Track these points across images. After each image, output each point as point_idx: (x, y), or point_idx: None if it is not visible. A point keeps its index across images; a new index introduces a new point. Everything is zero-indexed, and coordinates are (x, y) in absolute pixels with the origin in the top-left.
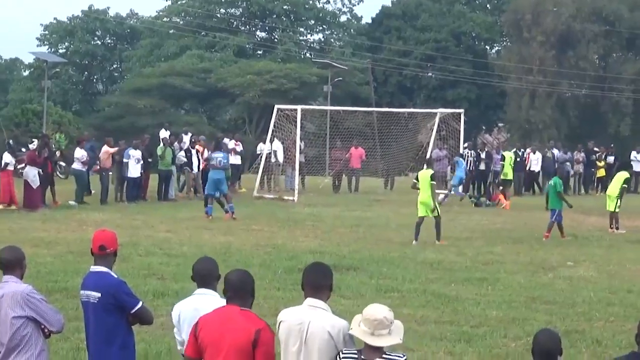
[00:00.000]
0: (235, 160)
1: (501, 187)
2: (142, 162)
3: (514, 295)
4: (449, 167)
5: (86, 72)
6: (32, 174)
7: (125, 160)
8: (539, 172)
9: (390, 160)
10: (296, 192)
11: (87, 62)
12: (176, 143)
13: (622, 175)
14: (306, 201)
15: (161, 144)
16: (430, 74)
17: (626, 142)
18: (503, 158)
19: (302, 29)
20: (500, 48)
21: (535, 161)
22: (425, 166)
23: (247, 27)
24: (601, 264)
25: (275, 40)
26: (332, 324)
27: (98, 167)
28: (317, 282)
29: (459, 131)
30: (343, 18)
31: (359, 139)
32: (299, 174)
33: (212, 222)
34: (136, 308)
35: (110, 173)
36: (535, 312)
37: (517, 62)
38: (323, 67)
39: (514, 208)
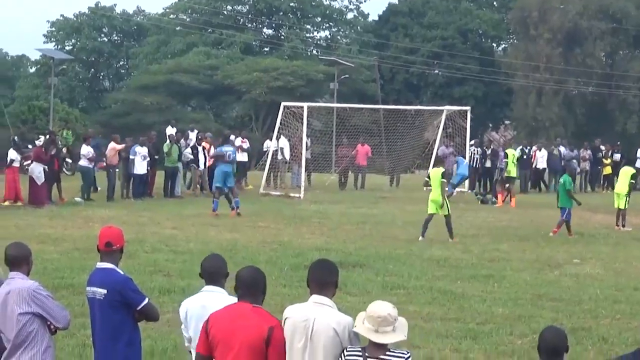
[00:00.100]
0: (242, 157)
1: (507, 185)
2: (148, 159)
3: (520, 292)
4: (455, 165)
5: (93, 69)
6: (37, 170)
7: (131, 157)
8: (544, 169)
9: (397, 157)
10: (302, 189)
11: (93, 59)
12: (182, 140)
13: (629, 170)
14: (312, 198)
15: (167, 141)
16: (436, 72)
17: (633, 139)
18: (506, 156)
19: (308, 26)
20: (507, 45)
21: (541, 159)
22: (434, 164)
23: (254, 24)
24: (608, 262)
25: (282, 37)
26: (338, 321)
27: (104, 164)
28: (323, 278)
29: (466, 129)
30: (350, 15)
31: (366, 136)
32: (305, 171)
33: (218, 219)
34: (142, 305)
35: (117, 170)
36: (541, 309)
37: (523, 59)
38: (330, 65)
39: (520, 205)
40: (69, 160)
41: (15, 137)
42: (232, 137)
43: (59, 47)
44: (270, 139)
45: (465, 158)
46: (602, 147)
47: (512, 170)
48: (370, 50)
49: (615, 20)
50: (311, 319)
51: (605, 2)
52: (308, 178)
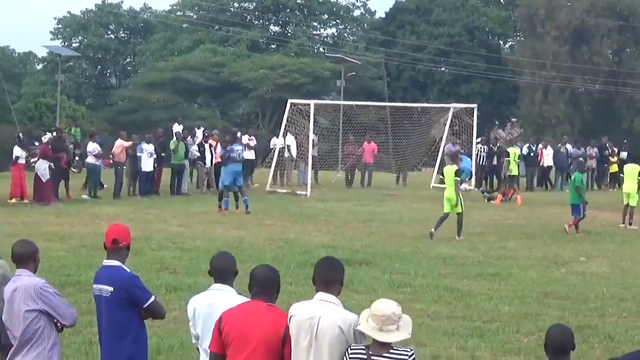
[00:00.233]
0: (249, 155)
1: (509, 183)
2: (155, 156)
3: (527, 290)
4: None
5: (99, 66)
6: (42, 167)
7: (138, 154)
8: (551, 167)
9: (403, 155)
10: (309, 186)
11: (100, 56)
12: (189, 137)
13: (634, 168)
14: (319, 196)
15: (174, 138)
16: (443, 69)
17: None
18: (507, 154)
19: (315, 23)
20: (513, 43)
21: (547, 156)
22: (448, 161)
23: (261, 21)
24: (614, 260)
25: (289, 34)
26: (343, 319)
27: (111, 161)
28: (328, 276)
29: (472, 126)
30: (356, 12)
31: (372, 134)
32: (312, 169)
33: (225, 217)
34: (149, 302)
35: (124, 167)
36: (547, 307)
37: (530, 57)
38: (336, 62)
39: (527, 203)
40: (77, 158)
41: (20, 134)
42: (239, 134)
43: (66, 44)
44: (277, 137)
45: (471, 156)
46: (611, 147)
47: (514, 169)
48: (377, 48)
49: (623, 18)
50: (316, 316)
51: None
52: (315, 176)
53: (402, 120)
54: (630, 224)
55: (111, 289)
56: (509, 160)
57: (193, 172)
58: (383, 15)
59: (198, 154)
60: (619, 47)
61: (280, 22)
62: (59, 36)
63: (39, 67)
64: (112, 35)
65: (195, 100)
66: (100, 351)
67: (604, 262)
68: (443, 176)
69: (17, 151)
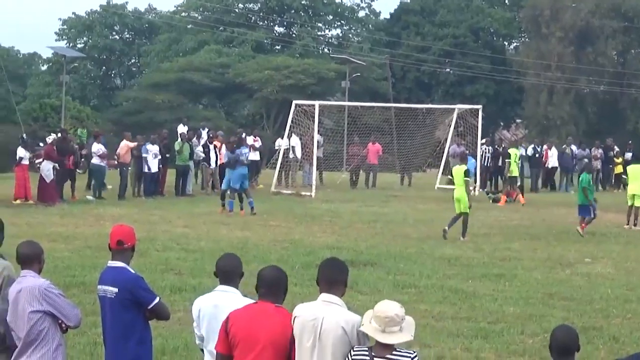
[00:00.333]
0: (254, 156)
1: (510, 185)
2: (159, 157)
3: (531, 291)
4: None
5: (104, 67)
6: (46, 168)
7: (144, 155)
8: (556, 168)
9: (408, 156)
10: (314, 187)
11: (105, 56)
12: (195, 138)
13: (638, 168)
14: (324, 197)
15: (179, 139)
16: (448, 70)
17: None
18: (508, 155)
19: (320, 24)
20: (518, 44)
21: (552, 158)
22: (456, 161)
23: (265, 22)
24: (619, 261)
25: (294, 35)
26: (346, 320)
27: (116, 162)
28: (332, 277)
29: (477, 127)
30: (361, 13)
31: (377, 135)
32: (317, 170)
33: (230, 218)
34: (153, 303)
35: (129, 168)
36: (552, 308)
37: (535, 58)
38: (341, 63)
39: (531, 204)
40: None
41: (24, 135)
42: (243, 135)
43: (71, 45)
44: (282, 138)
45: (476, 157)
46: (615, 147)
47: (515, 170)
48: (382, 49)
49: (627, 19)
50: (320, 317)
51: (618, 0)
52: (320, 176)
53: (407, 121)
54: (635, 224)
55: (116, 290)
56: (509, 161)
57: (198, 173)
58: (388, 16)
59: (203, 155)
60: (623, 48)
61: (285, 23)
62: (63, 37)
63: (44, 68)
64: (116, 36)
65: (200, 101)
66: (105, 352)
67: (608, 264)
68: (452, 176)
69: (21, 152)
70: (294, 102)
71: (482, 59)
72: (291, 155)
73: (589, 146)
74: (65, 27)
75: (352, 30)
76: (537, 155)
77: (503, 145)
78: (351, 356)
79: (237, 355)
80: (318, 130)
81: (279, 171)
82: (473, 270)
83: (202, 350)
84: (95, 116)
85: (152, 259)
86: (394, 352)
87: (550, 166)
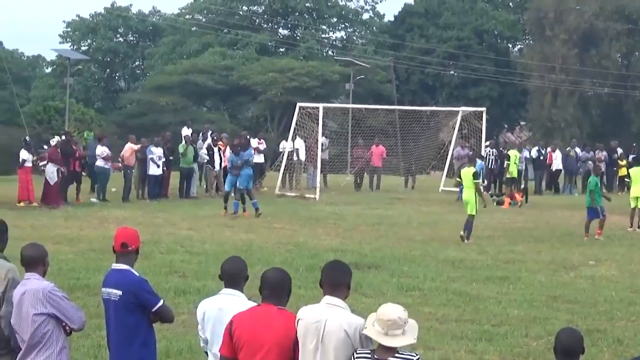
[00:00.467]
0: (259, 158)
1: (522, 187)
2: (163, 159)
3: (535, 294)
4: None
5: (108, 69)
6: (50, 170)
7: (149, 156)
8: (560, 170)
9: (412, 158)
10: (318, 190)
11: (109, 59)
12: (200, 140)
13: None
14: (328, 199)
15: (183, 142)
16: (452, 72)
17: None
18: (508, 157)
19: (324, 27)
20: (522, 46)
21: (556, 160)
22: (465, 163)
23: (270, 24)
24: (623, 263)
25: (298, 37)
26: (349, 323)
27: (119, 164)
28: (336, 279)
29: (481, 130)
30: (365, 16)
31: (381, 137)
32: (321, 172)
33: (234, 220)
34: (157, 306)
35: (133, 170)
36: (556, 311)
37: (539, 60)
38: (345, 65)
39: (535, 207)
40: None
41: (27, 138)
42: (247, 137)
43: (75, 47)
44: (286, 140)
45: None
46: (620, 150)
47: (514, 171)
48: (386, 51)
49: (631, 21)
50: (323, 320)
51: (622, 3)
52: (324, 179)
53: (411, 124)
54: (639, 227)
55: (120, 292)
56: (508, 163)
57: (202, 176)
58: (392, 19)
59: (207, 158)
60: (627, 50)
61: (289, 25)
62: (68, 39)
63: (48, 70)
64: (121, 39)
65: (204, 103)
66: (109, 355)
67: (612, 266)
68: (460, 179)
69: (24, 154)
70: (298, 104)
71: (486, 62)
72: (295, 158)
73: (593, 148)
74: (69, 29)
75: (356, 33)
76: (541, 158)
77: (508, 148)
78: (354, 359)
79: (242, 358)
80: (323, 133)
81: (283, 174)
82: (477, 272)
83: (207, 353)
84: (99, 119)
85: (156, 262)
86: (397, 355)
87: (554, 169)
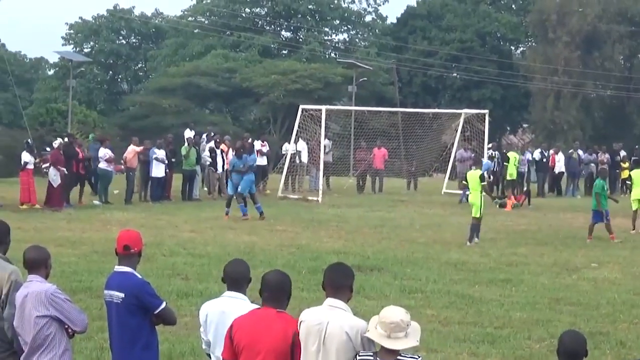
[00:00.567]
0: (262, 161)
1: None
2: (166, 161)
3: (538, 296)
4: (473, 168)
5: (111, 72)
6: (53, 172)
7: (153, 156)
8: (562, 173)
9: (415, 160)
10: (320, 192)
11: (112, 61)
12: (205, 141)
13: None
14: (330, 202)
15: (185, 144)
16: (455, 75)
17: None
18: (507, 159)
19: (327, 29)
20: (525, 48)
21: (559, 162)
22: (471, 165)
23: (272, 26)
24: (625, 266)
25: (300, 40)
26: (351, 325)
27: (122, 166)
28: (338, 282)
29: (483, 132)
30: (368, 18)
31: (383, 140)
32: (324, 175)
33: (236, 223)
34: (160, 309)
35: (136, 172)
36: (559, 313)
37: (542, 62)
38: (348, 67)
39: (538, 209)
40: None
41: (29, 140)
42: (250, 140)
43: (78, 49)
44: (289, 142)
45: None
46: (623, 152)
47: (513, 173)
48: (389, 53)
49: (634, 24)
50: (324, 322)
51: (624, 5)
52: (327, 181)
53: (414, 126)
54: None
55: (122, 295)
56: (507, 165)
57: (204, 178)
58: (394, 21)
59: (210, 160)
60: (630, 52)
61: (291, 27)
62: (70, 42)
63: (51, 72)
64: (123, 41)
65: (207, 105)
66: (112, 357)
67: (615, 268)
68: (466, 181)
69: (26, 157)
70: (301, 106)
71: (488, 64)
72: (298, 160)
73: (596, 151)
74: (72, 31)
75: (359, 35)
76: (544, 160)
77: (508, 150)
78: None
79: None
80: (325, 135)
81: (286, 176)
82: (480, 275)
83: (209, 355)
84: (102, 121)
85: (158, 264)
86: (399, 358)
87: (557, 171)
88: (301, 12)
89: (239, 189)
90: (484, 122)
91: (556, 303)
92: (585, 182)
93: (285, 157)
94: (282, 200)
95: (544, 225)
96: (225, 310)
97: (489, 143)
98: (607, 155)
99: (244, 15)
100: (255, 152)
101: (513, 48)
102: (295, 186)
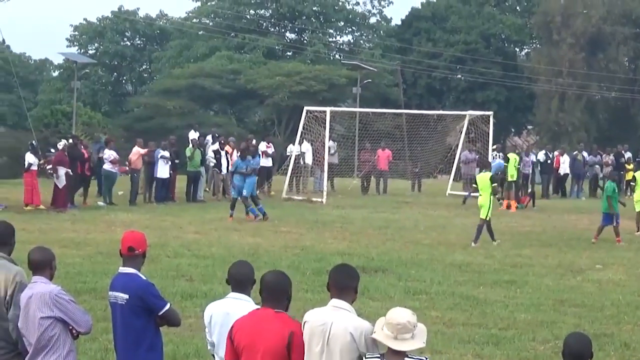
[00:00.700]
0: (267, 162)
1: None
2: (170, 162)
3: (543, 298)
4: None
5: (115, 73)
6: (59, 174)
7: (159, 157)
8: (567, 174)
9: (419, 162)
10: (325, 193)
11: (116, 62)
12: (210, 142)
13: None
14: (335, 203)
15: (190, 145)
16: (459, 76)
17: None
18: (507, 160)
19: (331, 31)
20: (529, 50)
21: (564, 164)
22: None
23: (277, 28)
24: (630, 267)
25: (305, 41)
26: (355, 326)
27: (127, 168)
28: (342, 283)
29: (488, 133)
30: (372, 20)
31: (388, 141)
32: (329, 176)
33: (241, 224)
34: (164, 310)
35: (141, 174)
36: (563, 315)
37: (546, 64)
38: (352, 69)
39: (543, 211)
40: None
41: (34, 142)
42: (254, 141)
43: (82, 51)
44: (293, 144)
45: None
46: (628, 154)
47: (514, 174)
48: (393, 55)
49: (639, 25)
50: (329, 323)
51: (629, 7)
52: (331, 183)
53: (418, 128)
54: None
55: (126, 296)
56: (506, 165)
57: (208, 180)
58: (399, 23)
59: (214, 161)
60: (635, 54)
61: (296, 29)
62: (75, 43)
63: (55, 74)
64: (128, 42)
65: (211, 107)
66: (116, 358)
67: (620, 270)
68: (476, 184)
69: (30, 158)
70: (305, 108)
71: (493, 65)
72: (302, 162)
73: (600, 152)
74: (76, 33)
75: (363, 37)
76: (548, 162)
77: (517, 151)
78: None
79: None
80: (330, 137)
81: (290, 177)
82: (484, 276)
83: (213, 356)
84: (106, 122)
85: (163, 265)
86: (406, 358)
87: (562, 173)
88: (306, 13)
89: (244, 193)
90: (489, 123)
91: (561, 304)
92: (590, 183)
93: (290, 159)
94: (286, 201)
95: (548, 227)
96: (229, 311)
97: (493, 144)
98: (611, 157)
99: (248, 16)
100: (260, 154)
101: (517, 50)
102: (300, 187)
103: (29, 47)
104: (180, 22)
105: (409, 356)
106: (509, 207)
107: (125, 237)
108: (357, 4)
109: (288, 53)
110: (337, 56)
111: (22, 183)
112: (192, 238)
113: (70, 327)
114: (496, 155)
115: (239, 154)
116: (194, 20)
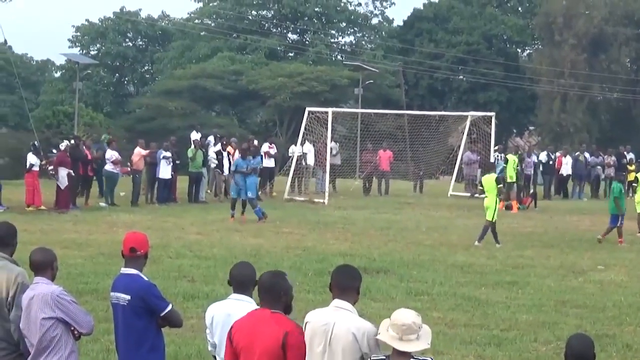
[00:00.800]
0: (269, 163)
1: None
2: (172, 163)
3: (544, 299)
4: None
5: (117, 74)
6: (61, 175)
7: (161, 158)
8: (569, 175)
9: (421, 163)
10: (326, 194)
11: (118, 63)
12: (212, 143)
13: None
14: (336, 204)
15: (192, 146)
16: (461, 77)
17: None
18: (506, 161)
19: (333, 32)
20: (531, 51)
21: (566, 165)
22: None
23: (279, 29)
24: (632, 268)
25: (307, 42)
26: (357, 327)
27: (129, 168)
28: (344, 283)
29: (490, 134)
30: (374, 20)
31: (390, 142)
32: (330, 177)
33: (242, 225)
34: (166, 311)
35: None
36: (565, 316)
37: (548, 65)
38: (354, 70)
39: (544, 212)
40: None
41: (36, 142)
42: (256, 142)
43: (84, 51)
44: (295, 145)
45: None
46: (630, 155)
47: (513, 176)
48: (395, 56)
49: None
50: (331, 323)
51: (631, 7)
52: (333, 183)
53: (420, 129)
54: None
55: (128, 297)
56: (505, 166)
57: (210, 180)
58: (401, 24)
59: (216, 162)
60: (637, 55)
61: (298, 30)
62: (77, 44)
63: (57, 74)
64: (130, 43)
65: (213, 108)
66: (118, 359)
67: (621, 271)
68: (482, 186)
69: (32, 159)
70: (307, 109)
71: (495, 66)
72: (304, 163)
73: (602, 153)
74: (78, 34)
75: (365, 38)
76: (550, 163)
77: (519, 152)
78: None
79: None
80: (332, 137)
81: (292, 178)
82: (486, 277)
83: (215, 357)
84: (108, 123)
85: (165, 266)
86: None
87: (564, 174)
88: (307, 14)
89: (248, 194)
90: (491, 124)
91: (562, 305)
92: (592, 184)
93: (292, 160)
94: (288, 202)
95: (550, 228)
96: (231, 312)
97: (495, 145)
98: (613, 158)
99: (250, 17)
100: (263, 154)
101: (519, 50)
102: (302, 188)
103: (31, 47)
104: (182, 23)
105: (414, 357)
106: (506, 208)
107: (127, 238)
108: (359, 4)
109: (290, 54)
110: (339, 57)
111: (24, 184)
112: (194, 239)
113: (72, 328)
114: (498, 156)
115: (240, 154)
116: (196, 21)
